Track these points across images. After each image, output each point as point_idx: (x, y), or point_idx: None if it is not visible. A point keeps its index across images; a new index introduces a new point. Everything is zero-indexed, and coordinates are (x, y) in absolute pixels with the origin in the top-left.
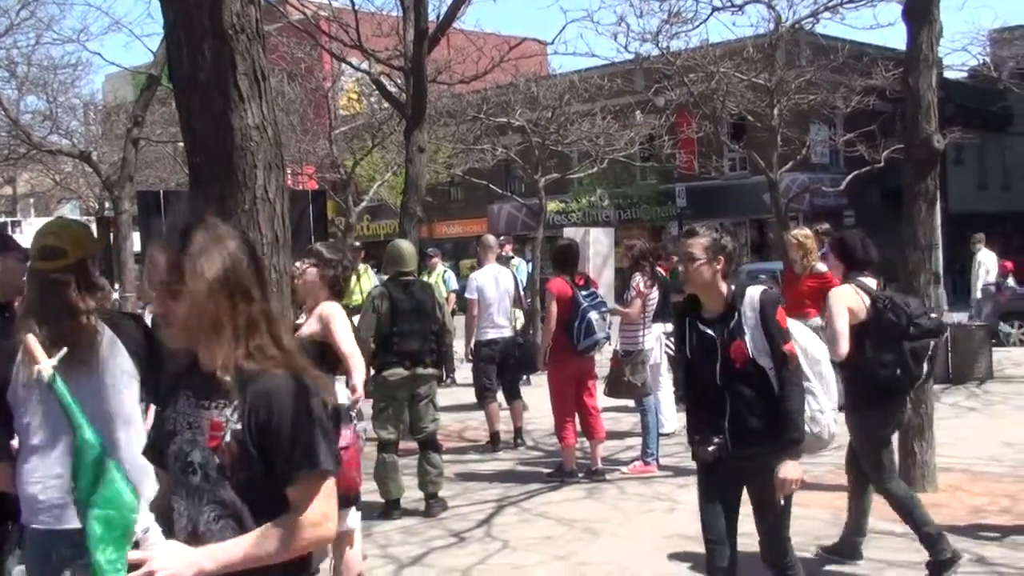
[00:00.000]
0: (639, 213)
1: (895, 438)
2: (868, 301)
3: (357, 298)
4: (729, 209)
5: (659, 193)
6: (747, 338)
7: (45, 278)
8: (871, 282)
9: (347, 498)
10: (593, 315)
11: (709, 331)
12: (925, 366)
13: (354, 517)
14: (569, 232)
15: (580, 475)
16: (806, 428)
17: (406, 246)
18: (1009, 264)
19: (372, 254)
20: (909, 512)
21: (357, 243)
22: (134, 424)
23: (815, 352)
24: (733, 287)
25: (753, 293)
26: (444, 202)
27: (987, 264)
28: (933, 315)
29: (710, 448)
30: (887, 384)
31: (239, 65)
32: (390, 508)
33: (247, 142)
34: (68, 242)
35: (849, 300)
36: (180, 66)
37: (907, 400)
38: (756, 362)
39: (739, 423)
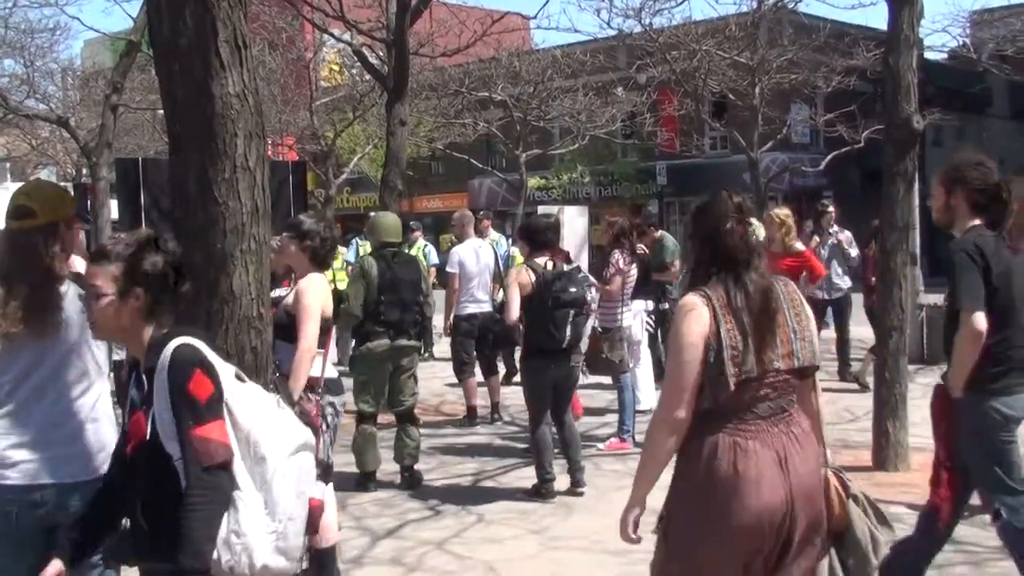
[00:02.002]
0: (619, 190)
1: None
2: (533, 277)
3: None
4: (709, 188)
5: (640, 171)
6: (154, 410)
7: (13, 238)
8: (542, 261)
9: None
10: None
11: (136, 394)
12: (568, 332)
13: (326, 491)
14: (544, 211)
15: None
16: (216, 554)
17: (391, 218)
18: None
19: (352, 227)
20: (538, 454)
21: (372, 213)
22: (101, 385)
23: (264, 443)
24: (165, 331)
25: (170, 347)
26: (425, 176)
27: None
28: (573, 290)
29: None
30: (540, 343)
31: (220, 32)
32: (366, 480)
33: (228, 110)
34: (38, 203)
35: (520, 277)
36: (160, 32)
37: (564, 359)
38: (161, 446)
39: (135, 528)
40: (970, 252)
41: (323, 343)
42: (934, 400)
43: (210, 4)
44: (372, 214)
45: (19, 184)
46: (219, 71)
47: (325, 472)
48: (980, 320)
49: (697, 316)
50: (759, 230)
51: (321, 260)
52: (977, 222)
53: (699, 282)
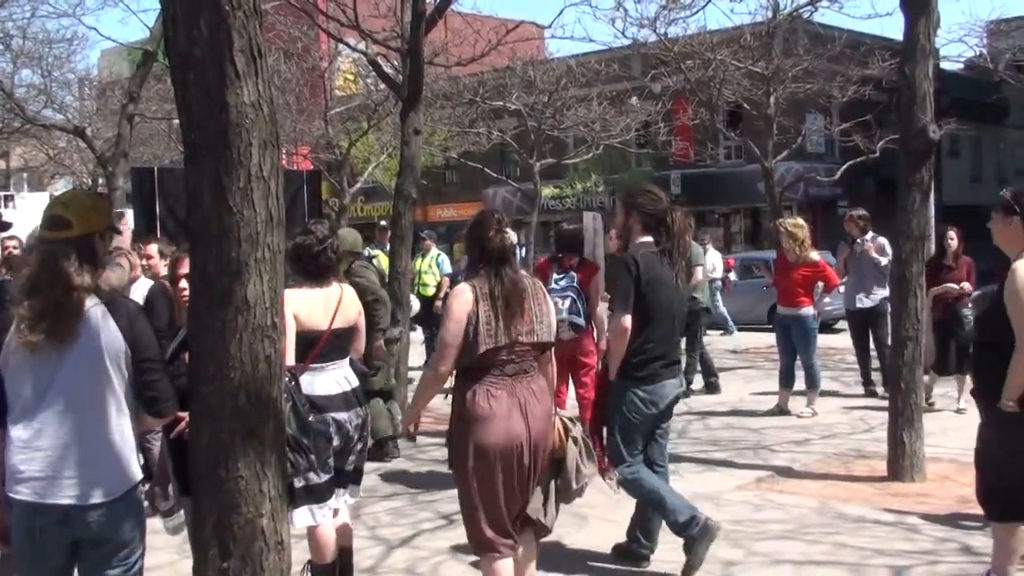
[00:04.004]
0: None
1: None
2: None
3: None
4: (724, 197)
5: (654, 180)
6: None
7: (46, 248)
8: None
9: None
10: (555, 299)
11: None
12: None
13: (323, 511)
14: (587, 214)
15: None
16: None
17: (353, 232)
18: (731, 260)
19: (367, 236)
20: None
21: (384, 223)
22: (120, 405)
23: None
24: None
25: None
26: (439, 185)
27: (714, 261)
28: None
29: None
30: None
31: (236, 42)
32: (383, 450)
33: (243, 119)
34: (75, 214)
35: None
36: (176, 41)
37: None
38: None
39: None
40: (629, 264)
41: (302, 356)
42: (597, 380)
43: (225, 14)
44: (383, 223)
45: (36, 194)
46: (234, 80)
47: (310, 493)
48: (626, 320)
49: (464, 299)
50: (512, 237)
51: (309, 272)
52: (647, 239)
53: (472, 275)
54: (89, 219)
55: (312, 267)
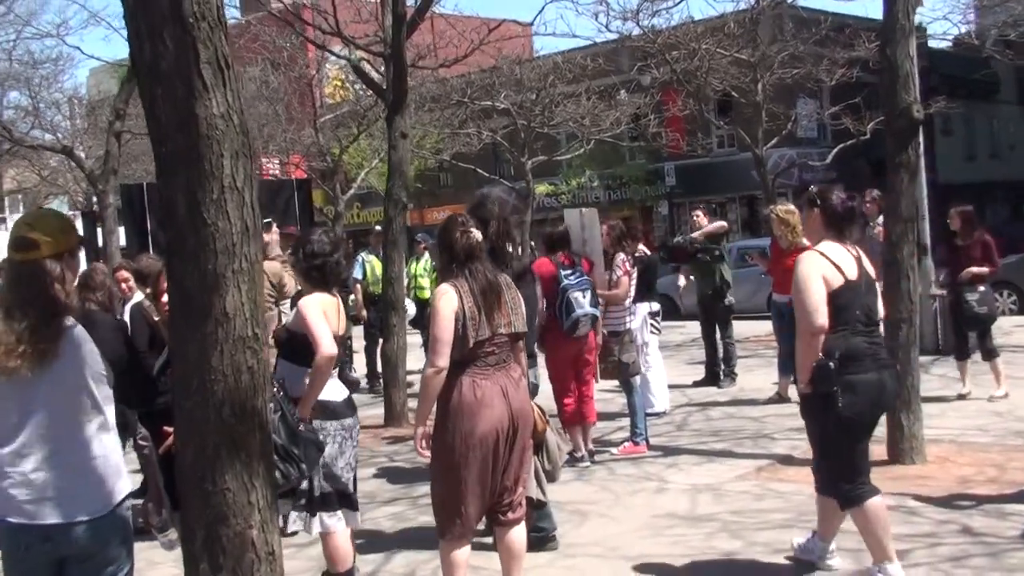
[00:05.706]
0: (628, 193)
1: None
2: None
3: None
4: (718, 186)
5: (648, 172)
6: None
7: (17, 270)
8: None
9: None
10: (575, 294)
11: None
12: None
13: (335, 519)
14: (569, 212)
15: (579, 454)
16: None
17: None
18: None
19: (362, 241)
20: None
21: (378, 227)
22: (102, 421)
23: None
24: None
25: None
26: (433, 187)
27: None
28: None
29: None
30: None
31: (201, 53)
32: None
33: (212, 131)
34: (42, 234)
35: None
36: (142, 55)
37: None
38: None
39: None
40: None
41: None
42: None
43: (189, 26)
44: (378, 227)
45: None
46: (202, 92)
47: (306, 500)
48: None
49: (449, 298)
50: (477, 236)
51: (317, 280)
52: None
53: (448, 275)
54: (57, 238)
55: (319, 276)
